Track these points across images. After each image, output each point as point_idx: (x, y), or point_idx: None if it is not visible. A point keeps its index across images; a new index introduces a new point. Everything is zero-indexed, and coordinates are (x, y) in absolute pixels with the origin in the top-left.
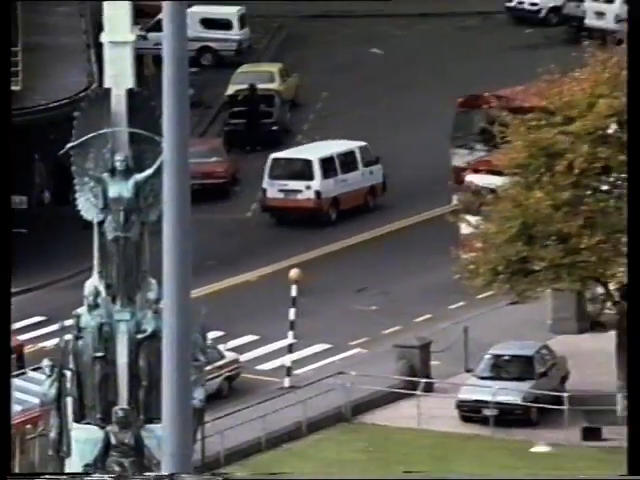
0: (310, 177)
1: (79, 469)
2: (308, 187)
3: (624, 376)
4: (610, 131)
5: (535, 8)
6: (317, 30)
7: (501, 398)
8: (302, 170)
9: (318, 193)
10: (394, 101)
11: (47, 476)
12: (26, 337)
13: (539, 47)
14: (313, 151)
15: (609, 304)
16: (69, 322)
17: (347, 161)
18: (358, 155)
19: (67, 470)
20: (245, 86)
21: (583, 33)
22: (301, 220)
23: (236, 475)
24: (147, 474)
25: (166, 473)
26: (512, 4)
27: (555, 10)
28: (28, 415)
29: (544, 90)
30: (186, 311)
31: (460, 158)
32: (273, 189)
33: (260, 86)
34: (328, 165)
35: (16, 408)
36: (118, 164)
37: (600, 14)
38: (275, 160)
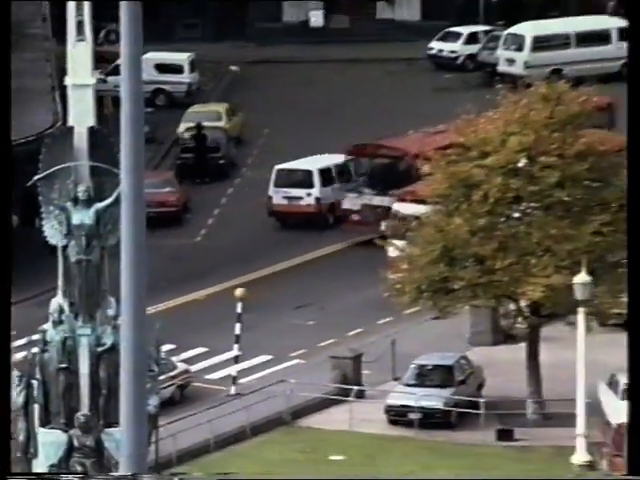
0: (310, 185)
1: (45, 469)
2: (309, 194)
3: (534, 383)
4: (520, 165)
5: (453, 55)
6: (260, 74)
7: (424, 403)
8: (303, 179)
9: (318, 199)
10: (327, 137)
11: (47, 476)
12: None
13: (457, 90)
14: (313, 163)
15: (520, 319)
16: (36, 337)
17: (342, 172)
18: (352, 167)
19: (34, 470)
20: (195, 124)
21: (496, 78)
22: (301, 225)
23: (197, 475)
24: (110, 474)
25: (125, 473)
26: (433, 52)
27: (471, 57)
28: None
29: (462, 128)
30: (142, 326)
31: (349, 201)
32: (278, 196)
33: (208, 124)
34: (326, 175)
35: None
36: (80, 194)
37: (511, 61)
38: (279, 171)
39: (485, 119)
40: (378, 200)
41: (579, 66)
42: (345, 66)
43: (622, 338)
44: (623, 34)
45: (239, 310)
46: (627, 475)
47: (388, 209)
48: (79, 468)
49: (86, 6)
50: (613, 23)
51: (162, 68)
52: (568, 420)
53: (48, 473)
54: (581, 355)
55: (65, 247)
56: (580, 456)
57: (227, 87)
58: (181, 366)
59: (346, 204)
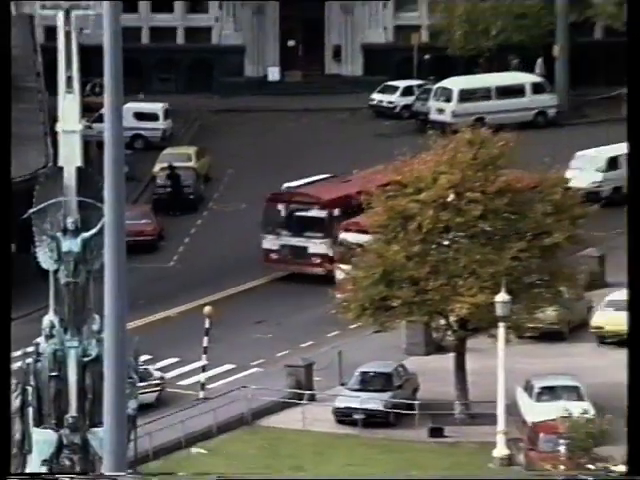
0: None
1: (38, 464)
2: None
3: (461, 387)
4: (449, 199)
5: (391, 105)
6: (224, 122)
7: (367, 405)
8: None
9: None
10: (283, 177)
11: (47, 476)
12: None
13: (395, 135)
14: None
15: (449, 332)
16: (30, 349)
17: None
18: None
19: (29, 466)
20: (168, 165)
21: (428, 125)
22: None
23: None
24: (111, 474)
25: (107, 469)
26: (374, 102)
27: (406, 107)
28: None
29: (399, 168)
30: (122, 339)
31: (268, 242)
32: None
33: (180, 164)
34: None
35: None
36: (69, 225)
37: (440, 110)
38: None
39: (419, 160)
40: (294, 241)
41: (499, 115)
42: (299, 115)
43: (537, 349)
44: (536, 88)
45: (207, 325)
46: (627, 475)
47: (304, 248)
48: (68, 463)
49: (74, 63)
50: (527, 79)
51: (140, 116)
52: (490, 419)
53: (48, 473)
54: (501, 363)
55: (56, 271)
56: (500, 450)
57: (196, 133)
58: (156, 374)
59: (266, 244)
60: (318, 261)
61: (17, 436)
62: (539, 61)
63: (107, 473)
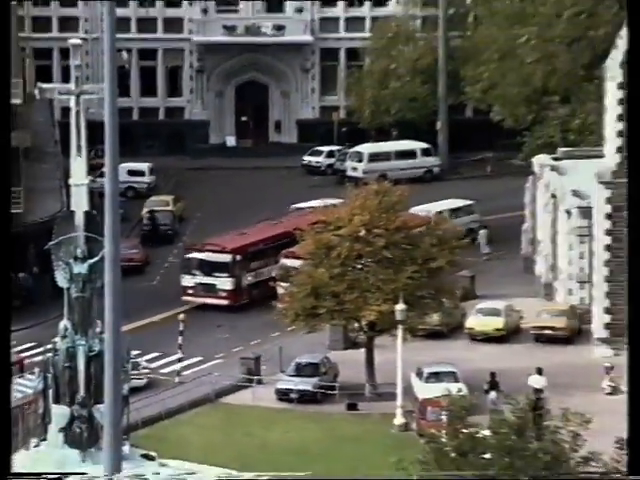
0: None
1: (55, 432)
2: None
3: (370, 373)
4: (361, 234)
5: (318, 165)
6: (195, 177)
7: (300, 387)
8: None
9: None
10: (239, 218)
11: (47, 476)
12: (24, 355)
13: (322, 187)
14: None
15: (361, 333)
16: (49, 346)
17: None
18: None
19: (48, 434)
20: (153, 208)
21: (345, 179)
22: None
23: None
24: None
25: (107, 435)
26: (305, 162)
27: (329, 166)
28: (26, 400)
29: (325, 211)
30: (118, 339)
31: (186, 280)
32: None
33: (160, 209)
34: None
35: (18, 395)
36: (79, 254)
37: (354, 169)
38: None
39: (339, 205)
40: (205, 280)
41: (397, 172)
42: (250, 172)
43: (425, 345)
44: (424, 152)
45: (181, 328)
46: (627, 475)
47: (213, 285)
48: (77, 431)
49: (82, 134)
50: (417, 145)
51: (132, 173)
52: (391, 397)
53: (48, 473)
54: (399, 356)
55: (68, 288)
56: (399, 419)
57: (173, 185)
58: (144, 364)
59: (184, 282)
60: (224, 295)
61: (40, 410)
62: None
63: (106, 473)
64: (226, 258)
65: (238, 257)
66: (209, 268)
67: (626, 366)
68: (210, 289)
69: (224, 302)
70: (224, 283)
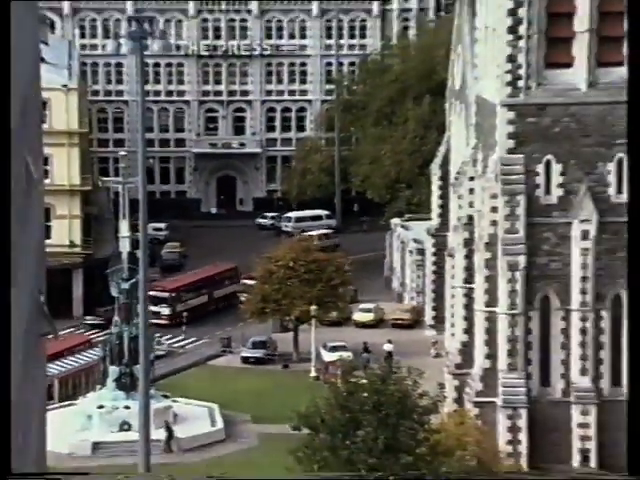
0: None
1: (111, 381)
2: None
3: (295, 346)
4: (291, 265)
5: (265, 224)
6: (193, 232)
7: (255, 355)
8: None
9: None
10: (218, 256)
11: (48, 476)
12: (93, 335)
13: (267, 238)
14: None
15: (291, 323)
16: (108, 331)
17: None
18: None
19: (107, 382)
20: (168, 250)
21: (282, 233)
22: None
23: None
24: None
25: (141, 384)
26: (258, 222)
27: (272, 225)
28: (93, 363)
29: (272, 253)
30: (146, 327)
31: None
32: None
33: (172, 250)
34: None
35: (89, 360)
36: (124, 277)
37: (287, 226)
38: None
39: (279, 248)
40: (154, 308)
41: (311, 228)
42: (225, 229)
43: (328, 330)
44: (327, 216)
45: (184, 321)
46: (627, 475)
47: (158, 312)
48: (124, 381)
49: (126, 207)
50: (323, 212)
51: (155, 229)
52: (308, 361)
53: (49, 473)
54: (313, 336)
55: (118, 297)
56: (312, 374)
57: (180, 237)
58: (163, 341)
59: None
60: (165, 317)
61: (102, 369)
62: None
63: (104, 473)
64: (165, 295)
65: (173, 294)
66: (156, 300)
67: (626, 366)
68: (156, 314)
69: (165, 322)
70: (164, 310)
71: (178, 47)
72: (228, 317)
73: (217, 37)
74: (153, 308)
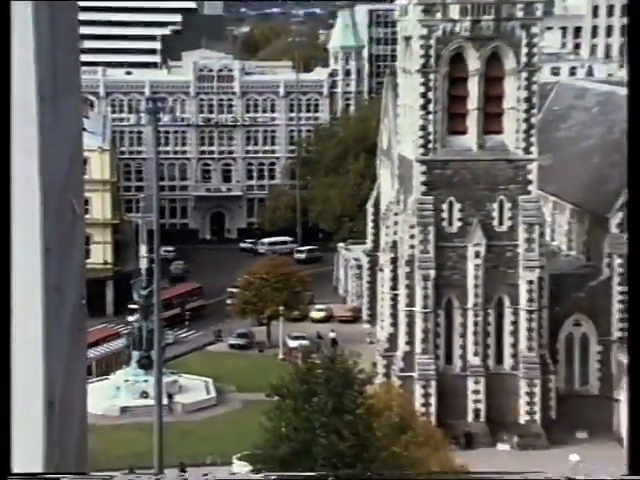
0: None
1: (134, 362)
2: None
3: (267, 337)
4: (264, 277)
5: (247, 248)
6: (194, 253)
7: (239, 342)
8: None
9: None
10: (210, 269)
11: (47, 476)
12: (120, 329)
13: (248, 258)
14: None
15: (265, 319)
16: (130, 326)
17: None
18: None
19: (130, 363)
20: (176, 266)
21: (258, 254)
22: None
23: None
24: (112, 474)
25: (155, 364)
26: (241, 247)
27: (252, 248)
28: (120, 349)
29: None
30: (160, 322)
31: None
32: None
33: (178, 266)
34: None
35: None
36: (143, 286)
37: (262, 249)
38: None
39: (255, 265)
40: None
41: (280, 251)
42: (217, 251)
43: (293, 324)
44: (292, 242)
45: (187, 318)
46: (627, 475)
47: None
48: (144, 362)
49: (144, 236)
50: (289, 238)
51: (166, 251)
52: (277, 346)
53: (49, 473)
54: (280, 328)
55: (138, 300)
56: (280, 356)
57: (184, 256)
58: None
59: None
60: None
61: (127, 353)
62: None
63: (104, 474)
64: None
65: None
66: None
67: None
68: None
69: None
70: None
71: (182, 119)
72: (217, 317)
73: (210, 112)
74: None
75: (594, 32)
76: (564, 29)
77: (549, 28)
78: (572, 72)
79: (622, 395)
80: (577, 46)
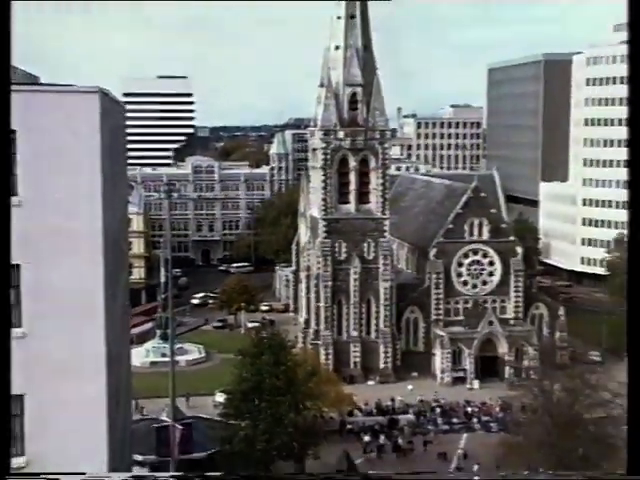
0: None
1: (158, 337)
2: None
3: (235, 321)
4: (232, 286)
5: (224, 269)
6: (193, 273)
7: (219, 325)
8: None
9: None
10: (201, 285)
11: (47, 476)
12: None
13: (224, 276)
14: None
15: (235, 312)
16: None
17: None
18: None
19: (155, 338)
20: (183, 281)
21: (230, 274)
22: None
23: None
24: (112, 474)
25: (170, 339)
26: (220, 269)
27: (225, 270)
28: (149, 328)
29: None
30: (172, 313)
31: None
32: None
33: (184, 282)
34: None
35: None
36: (162, 291)
37: (232, 269)
38: None
39: (227, 280)
40: None
41: (242, 271)
42: (205, 273)
43: (250, 314)
44: (249, 266)
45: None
46: (627, 475)
47: None
48: (163, 337)
49: (162, 273)
50: (247, 263)
51: (174, 277)
52: (241, 327)
53: (48, 473)
54: (242, 316)
55: (160, 301)
56: (242, 332)
57: (186, 275)
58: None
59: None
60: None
61: (155, 331)
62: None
63: (104, 474)
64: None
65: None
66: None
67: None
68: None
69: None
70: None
71: (185, 195)
72: (206, 310)
73: (201, 190)
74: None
75: (418, 147)
76: (402, 145)
77: (394, 144)
78: (407, 169)
79: (436, 351)
80: (409, 155)
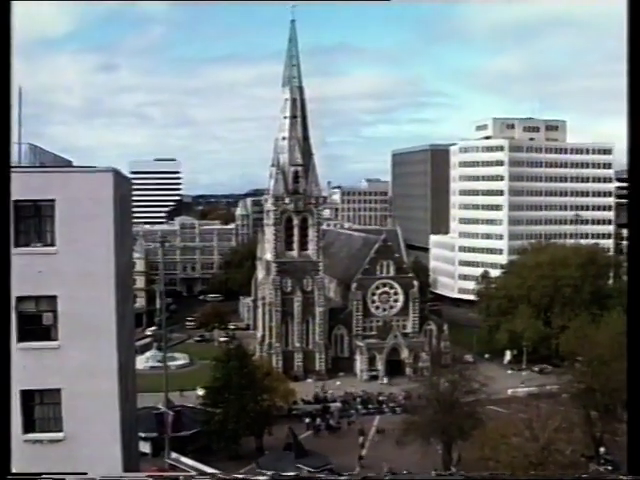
0: None
1: (155, 348)
2: None
3: (212, 337)
4: (209, 311)
5: (202, 299)
6: (180, 301)
7: (200, 339)
8: None
9: None
10: (188, 308)
11: (47, 476)
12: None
13: (204, 304)
14: None
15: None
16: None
17: None
18: None
19: (154, 347)
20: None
21: (208, 302)
22: None
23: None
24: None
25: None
26: (200, 298)
27: (204, 299)
28: (146, 343)
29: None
30: (165, 330)
31: None
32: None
33: (173, 307)
34: None
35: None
36: (159, 310)
37: (208, 299)
38: None
39: (205, 307)
40: None
41: (214, 300)
42: (188, 301)
43: (222, 331)
44: (221, 296)
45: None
46: (627, 475)
47: None
48: (159, 347)
49: (158, 303)
50: (219, 295)
51: (167, 304)
52: (215, 341)
53: (48, 473)
54: (216, 332)
55: (158, 320)
56: (216, 344)
57: (175, 303)
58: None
59: None
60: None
61: (153, 343)
62: None
63: (104, 474)
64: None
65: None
66: None
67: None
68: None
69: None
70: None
71: (174, 245)
72: (189, 329)
73: (187, 241)
74: None
75: (343, 210)
76: (331, 208)
77: (325, 208)
78: (335, 225)
79: (357, 356)
80: (336, 216)
